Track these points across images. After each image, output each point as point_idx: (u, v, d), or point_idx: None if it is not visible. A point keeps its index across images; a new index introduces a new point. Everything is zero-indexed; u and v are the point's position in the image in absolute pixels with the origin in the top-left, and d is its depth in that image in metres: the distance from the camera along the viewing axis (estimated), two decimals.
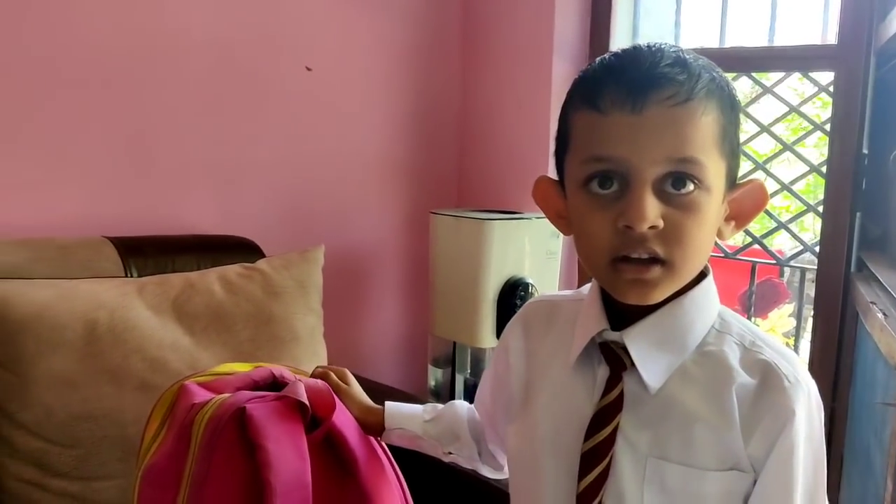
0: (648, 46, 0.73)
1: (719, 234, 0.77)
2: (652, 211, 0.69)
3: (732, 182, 0.75)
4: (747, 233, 1.92)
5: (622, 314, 0.77)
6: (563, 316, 0.84)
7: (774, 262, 1.91)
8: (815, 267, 1.78)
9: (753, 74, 1.90)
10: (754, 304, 1.90)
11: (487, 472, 1.03)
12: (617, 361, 0.77)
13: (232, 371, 1.02)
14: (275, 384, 0.99)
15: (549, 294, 0.92)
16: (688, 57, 0.72)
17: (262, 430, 0.87)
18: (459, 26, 2.19)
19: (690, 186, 0.70)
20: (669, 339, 0.76)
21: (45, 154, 1.50)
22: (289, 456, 0.87)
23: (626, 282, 0.72)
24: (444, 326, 1.94)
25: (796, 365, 0.75)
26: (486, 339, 1.84)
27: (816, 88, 1.81)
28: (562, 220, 0.81)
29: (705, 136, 0.71)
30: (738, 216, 0.78)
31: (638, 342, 0.75)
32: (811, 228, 3.46)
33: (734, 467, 0.73)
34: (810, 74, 1.81)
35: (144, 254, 1.46)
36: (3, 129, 1.44)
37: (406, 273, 2.16)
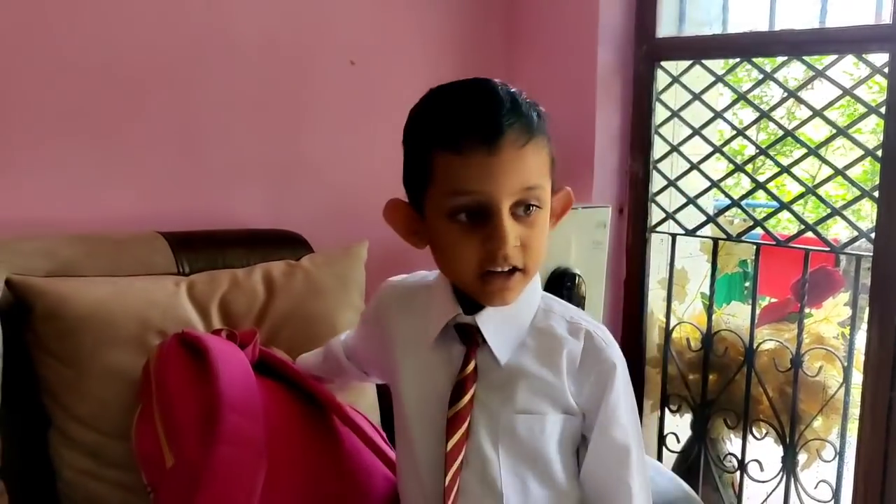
0: (486, 89, 0.87)
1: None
2: (512, 235, 0.86)
3: (553, 196, 0.93)
4: (800, 220, 1.87)
5: (469, 301, 0.93)
6: (417, 301, 1.00)
7: (828, 249, 1.86)
8: (871, 254, 1.73)
9: (805, 58, 1.84)
10: (808, 292, 1.86)
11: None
12: (471, 340, 0.93)
13: None
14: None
15: (400, 279, 1.08)
16: (518, 99, 0.88)
17: (198, 336, 1.17)
18: (503, 17, 2.18)
19: (533, 209, 0.88)
20: (509, 320, 0.93)
21: (99, 152, 1.54)
22: (222, 343, 1.16)
23: (492, 291, 0.89)
24: None
25: (607, 332, 0.96)
26: None
27: (870, 71, 1.75)
28: (415, 237, 0.95)
29: (542, 165, 0.89)
30: (554, 216, 0.95)
31: (487, 324, 0.92)
32: (868, 217, 3.37)
33: (566, 412, 0.93)
34: (864, 56, 1.76)
35: (195, 248, 1.49)
36: (59, 129, 1.49)
37: None
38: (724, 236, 1.97)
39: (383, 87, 1.97)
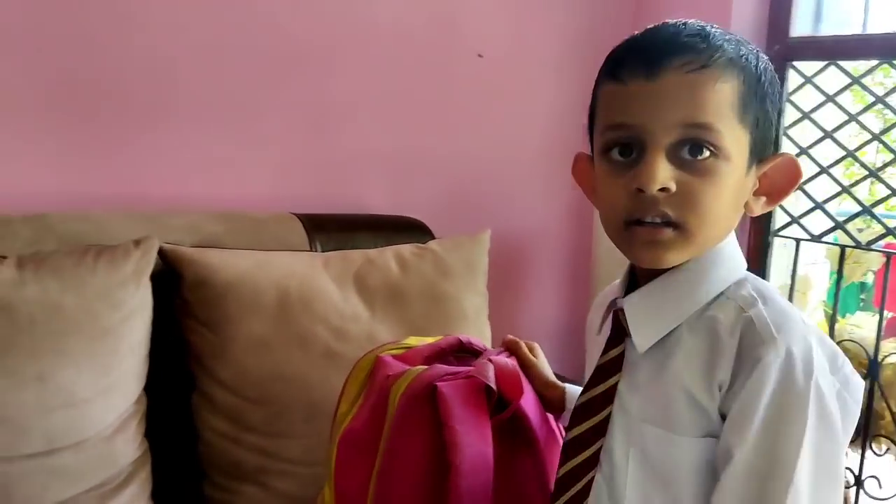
0: (675, 22, 0.76)
1: (748, 208, 0.78)
2: (662, 173, 0.71)
3: (760, 155, 0.75)
4: None
5: (639, 283, 0.81)
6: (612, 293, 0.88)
7: None
8: None
9: None
10: None
11: None
12: (619, 327, 0.81)
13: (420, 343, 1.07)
14: (462, 349, 1.04)
15: None
16: (713, 31, 0.74)
17: (450, 410, 0.90)
18: (633, 12, 2.16)
19: (706, 153, 0.72)
20: (666, 304, 0.77)
21: (242, 137, 1.62)
22: (474, 438, 0.89)
23: (639, 244, 0.75)
24: None
25: (783, 324, 0.71)
26: None
27: None
28: (592, 194, 0.83)
29: (721, 104, 0.72)
30: (771, 191, 0.78)
31: (634, 308, 0.79)
32: None
33: (709, 434, 0.74)
34: None
35: (327, 230, 1.55)
36: (205, 114, 1.57)
37: (568, 260, 2.17)
38: (852, 244, 1.91)
39: (509, 80, 1.99)
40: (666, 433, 0.75)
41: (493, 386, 0.93)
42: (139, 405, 1.25)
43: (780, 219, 2.03)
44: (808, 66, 1.96)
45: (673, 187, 0.72)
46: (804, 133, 2.00)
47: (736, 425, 0.71)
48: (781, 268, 2.08)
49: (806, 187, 1.97)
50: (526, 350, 1.02)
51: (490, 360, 0.97)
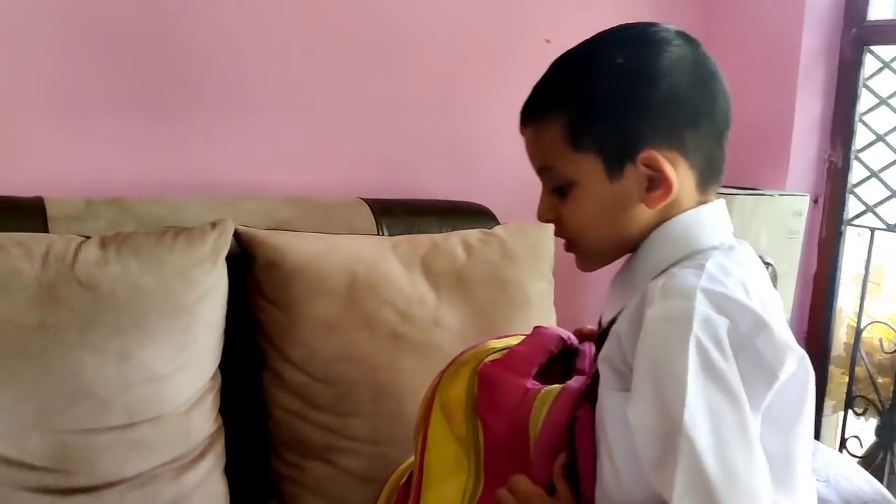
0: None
1: (647, 203, 0.82)
2: (541, 209, 0.88)
3: (624, 161, 0.81)
4: None
5: None
6: None
7: None
8: None
9: None
10: None
11: None
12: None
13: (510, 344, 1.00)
14: (565, 348, 1.00)
15: None
16: (554, 70, 0.87)
17: (587, 442, 0.84)
18: None
19: (558, 186, 0.85)
20: (623, 286, 0.86)
21: (313, 126, 1.66)
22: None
23: None
24: None
25: (668, 288, 0.74)
26: None
27: None
28: None
29: (550, 144, 0.84)
30: (660, 185, 0.81)
31: (612, 287, 0.89)
32: None
33: (626, 389, 0.75)
34: None
35: (394, 215, 1.57)
36: (282, 105, 1.62)
37: None
38: None
39: None
40: (602, 391, 0.80)
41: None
42: (214, 381, 1.29)
43: (853, 207, 1.98)
44: (886, 51, 1.90)
45: (552, 217, 0.87)
46: (881, 119, 1.95)
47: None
48: (855, 258, 2.03)
49: (882, 175, 1.92)
50: None
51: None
